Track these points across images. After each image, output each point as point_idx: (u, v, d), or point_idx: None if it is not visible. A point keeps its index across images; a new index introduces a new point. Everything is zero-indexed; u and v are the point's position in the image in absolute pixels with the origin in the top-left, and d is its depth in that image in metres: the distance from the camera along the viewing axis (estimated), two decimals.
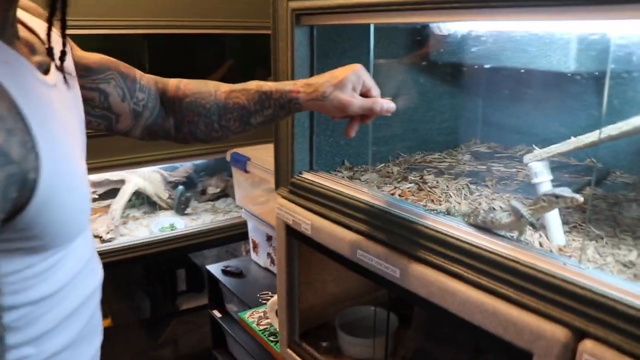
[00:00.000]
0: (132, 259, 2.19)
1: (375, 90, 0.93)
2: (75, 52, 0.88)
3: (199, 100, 0.97)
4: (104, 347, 0.85)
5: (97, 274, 0.82)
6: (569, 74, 1.10)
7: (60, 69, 0.72)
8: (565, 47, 1.09)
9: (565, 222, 0.98)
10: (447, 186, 1.16)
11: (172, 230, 2.30)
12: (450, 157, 1.43)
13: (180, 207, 2.44)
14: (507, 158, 1.39)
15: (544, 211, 0.83)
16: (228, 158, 1.98)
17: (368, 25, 1.11)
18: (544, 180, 0.96)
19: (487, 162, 1.36)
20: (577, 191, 1.17)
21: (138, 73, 0.96)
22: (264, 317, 1.66)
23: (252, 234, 2.03)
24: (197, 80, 1.01)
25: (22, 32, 0.70)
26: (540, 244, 0.91)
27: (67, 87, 0.75)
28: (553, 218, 0.93)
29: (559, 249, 0.89)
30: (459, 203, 1.08)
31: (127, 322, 2.47)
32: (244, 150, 1.94)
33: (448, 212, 0.97)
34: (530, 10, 0.73)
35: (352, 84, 0.91)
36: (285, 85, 0.95)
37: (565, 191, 0.79)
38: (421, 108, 1.50)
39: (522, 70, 1.24)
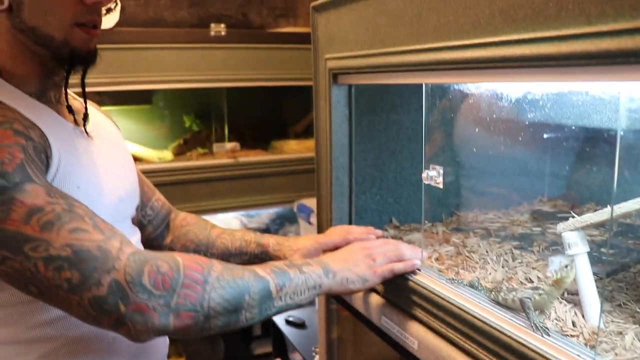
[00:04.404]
0: None
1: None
2: None
3: (194, 231, 1.19)
4: None
5: None
6: None
7: (83, 125, 0.95)
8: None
9: (610, 299, 0.88)
10: (487, 251, 1.09)
11: None
12: (506, 217, 1.35)
13: None
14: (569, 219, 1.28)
15: (551, 295, 0.76)
16: (295, 209, 2.01)
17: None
18: (578, 252, 0.87)
19: (545, 223, 1.26)
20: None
21: (155, 197, 1.19)
22: None
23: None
24: (201, 217, 1.25)
25: (74, 104, 0.96)
26: (574, 324, 0.82)
27: (107, 142, 1.00)
28: (588, 293, 0.84)
29: (592, 332, 0.80)
30: (495, 270, 1.01)
31: None
32: (310, 202, 1.96)
33: (471, 286, 0.91)
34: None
35: None
36: (263, 238, 1.16)
37: (555, 263, 0.71)
38: (479, 164, 1.43)
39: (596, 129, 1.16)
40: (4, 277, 0.73)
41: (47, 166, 0.81)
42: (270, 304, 0.82)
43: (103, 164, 0.95)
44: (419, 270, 1.00)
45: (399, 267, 0.98)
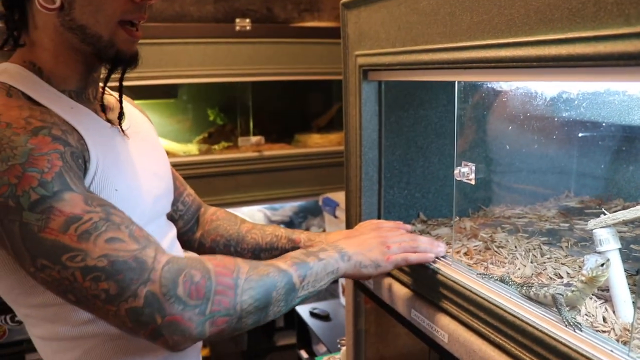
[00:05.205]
0: None
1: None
2: None
3: (225, 225, 1.21)
4: None
5: None
6: None
7: (119, 124, 0.96)
8: None
9: None
10: (515, 247, 1.10)
11: None
12: (534, 212, 1.35)
13: None
14: (598, 215, 1.28)
15: (583, 292, 0.77)
16: (320, 202, 2.03)
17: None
18: (610, 248, 0.88)
19: (572, 219, 1.27)
20: None
21: (187, 192, 1.21)
22: None
23: (341, 278, 2.05)
24: (230, 212, 1.27)
25: (110, 100, 0.99)
26: (604, 319, 0.83)
27: (142, 139, 1.02)
28: (620, 289, 0.84)
29: (624, 329, 0.81)
30: (525, 266, 1.02)
31: (225, 353, 2.57)
32: (335, 195, 1.97)
33: (502, 281, 0.92)
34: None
35: None
36: (294, 233, 1.18)
37: (590, 261, 0.72)
38: (507, 160, 1.44)
39: (628, 126, 1.16)
40: (44, 285, 0.75)
41: (85, 170, 0.82)
42: (294, 295, 0.84)
43: (140, 163, 0.96)
44: (442, 258, 1.02)
45: (413, 257, 0.99)
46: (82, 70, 0.90)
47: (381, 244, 0.98)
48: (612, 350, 0.70)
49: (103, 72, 0.95)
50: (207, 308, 0.75)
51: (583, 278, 0.76)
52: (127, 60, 0.89)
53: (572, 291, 0.77)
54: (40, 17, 0.84)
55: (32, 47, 0.87)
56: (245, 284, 0.78)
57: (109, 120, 0.95)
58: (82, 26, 0.83)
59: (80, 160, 0.81)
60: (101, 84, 0.98)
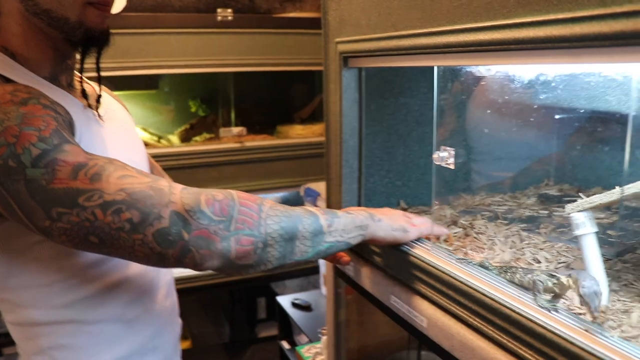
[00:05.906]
0: (214, 285, 2.29)
1: None
2: None
3: None
4: None
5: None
6: None
7: (95, 108, 0.97)
8: None
9: (616, 279, 0.90)
10: (495, 233, 1.10)
11: None
12: (513, 200, 1.36)
13: None
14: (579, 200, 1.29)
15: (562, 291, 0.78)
16: (302, 193, 2.02)
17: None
18: (586, 232, 0.89)
19: (551, 207, 1.28)
20: None
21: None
22: (321, 352, 1.66)
23: (322, 268, 2.06)
24: None
25: (86, 88, 0.98)
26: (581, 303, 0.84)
27: (119, 127, 1.01)
28: (596, 272, 0.85)
29: (600, 310, 0.81)
30: (503, 251, 1.02)
31: (207, 345, 2.56)
32: (317, 186, 1.97)
33: (481, 266, 0.92)
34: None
35: None
36: None
37: (591, 289, 0.72)
38: (486, 148, 1.45)
39: (603, 111, 1.17)
40: (63, 235, 0.73)
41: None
42: (321, 238, 0.84)
43: (114, 148, 0.96)
44: (420, 244, 1.02)
45: (436, 227, 1.03)
46: (54, 56, 0.89)
47: (403, 214, 1.01)
48: (586, 330, 0.71)
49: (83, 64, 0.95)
50: (231, 225, 0.75)
51: (573, 286, 0.76)
52: (97, 38, 0.88)
53: (554, 283, 0.78)
54: (5, 2, 0.84)
55: (2, 32, 0.86)
56: (270, 211, 0.79)
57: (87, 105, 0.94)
58: (46, 10, 0.83)
59: (69, 128, 0.82)
60: (77, 74, 0.97)
